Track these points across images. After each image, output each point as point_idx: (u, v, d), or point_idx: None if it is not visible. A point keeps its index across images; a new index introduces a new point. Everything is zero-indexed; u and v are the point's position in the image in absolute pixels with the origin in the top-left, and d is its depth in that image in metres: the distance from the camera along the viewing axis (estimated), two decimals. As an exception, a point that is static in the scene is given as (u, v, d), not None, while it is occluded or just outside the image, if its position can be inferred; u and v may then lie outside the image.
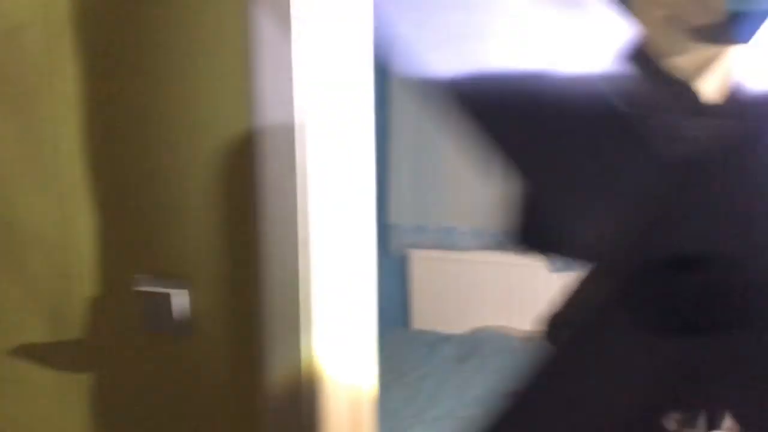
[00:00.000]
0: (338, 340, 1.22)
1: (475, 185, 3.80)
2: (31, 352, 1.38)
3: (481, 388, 2.87)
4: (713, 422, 0.67)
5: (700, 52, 2.57)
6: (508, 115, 0.57)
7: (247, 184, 1.15)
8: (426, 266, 3.99)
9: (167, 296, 1.22)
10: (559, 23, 0.60)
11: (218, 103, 1.17)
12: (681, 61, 2.64)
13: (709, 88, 2.43)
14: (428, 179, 3.91)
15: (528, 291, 3.78)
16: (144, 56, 1.19)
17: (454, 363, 3.17)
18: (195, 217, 1.22)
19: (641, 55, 0.61)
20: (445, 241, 3.89)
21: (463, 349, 3.31)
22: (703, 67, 2.48)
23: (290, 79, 1.07)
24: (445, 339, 3.47)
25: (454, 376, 3.02)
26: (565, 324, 0.68)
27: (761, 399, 0.56)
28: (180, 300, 1.22)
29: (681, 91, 0.75)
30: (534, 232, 0.64)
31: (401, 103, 3.91)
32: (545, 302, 3.37)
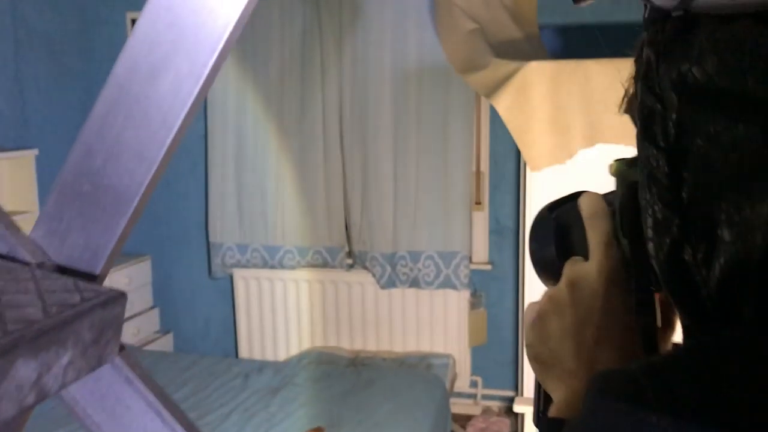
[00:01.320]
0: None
1: (296, 204, 3.81)
2: None
3: (288, 422, 2.80)
4: None
5: (498, 68, 2.73)
6: None
7: None
8: (250, 285, 3.94)
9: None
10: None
11: None
12: (479, 77, 2.79)
13: (504, 103, 2.63)
14: (251, 198, 3.86)
15: (357, 308, 3.83)
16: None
17: (265, 394, 3.07)
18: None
19: None
20: (270, 259, 3.86)
21: (277, 379, 3.24)
22: (500, 83, 2.63)
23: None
24: (264, 367, 3.36)
25: (262, 410, 2.91)
26: None
27: None
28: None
29: None
30: None
31: (219, 116, 3.84)
32: (374, 319, 3.49)
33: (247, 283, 3.90)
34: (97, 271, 0.30)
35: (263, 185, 3.80)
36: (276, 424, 2.78)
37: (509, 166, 3.64)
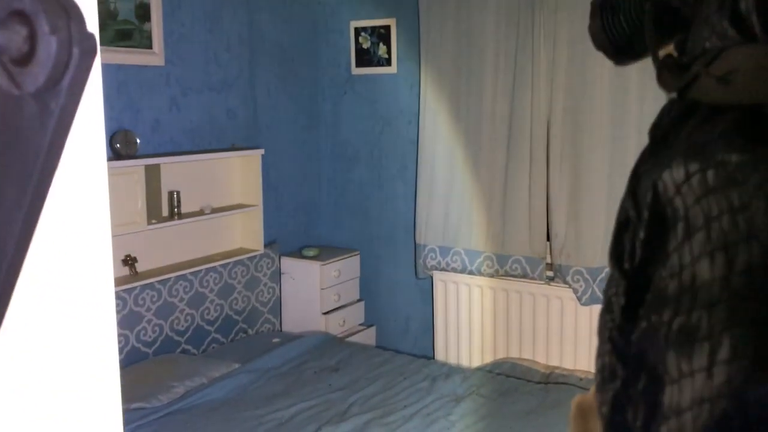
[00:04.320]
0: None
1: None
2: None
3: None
4: None
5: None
6: None
7: None
8: (449, 288, 3.97)
9: None
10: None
11: None
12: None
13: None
14: (456, 203, 3.89)
15: (555, 323, 3.70)
16: None
17: (449, 401, 3.06)
18: None
19: None
20: (470, 264, 3.86)
21: (464, 387, 3.20)
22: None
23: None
24: (452, 373, 3.37)
25: (443, 418, 2.91)
26: None
27: None
28: None
29: None
30: None
31: (431, 121, 3.92)
32: (573, 336, 3.33)
33: (446, 286, 3.94)
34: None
35: (469, 190, 3.81)
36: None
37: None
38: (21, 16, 0.29)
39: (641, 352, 0.37)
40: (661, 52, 0.53)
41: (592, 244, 3.51)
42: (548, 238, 3.67)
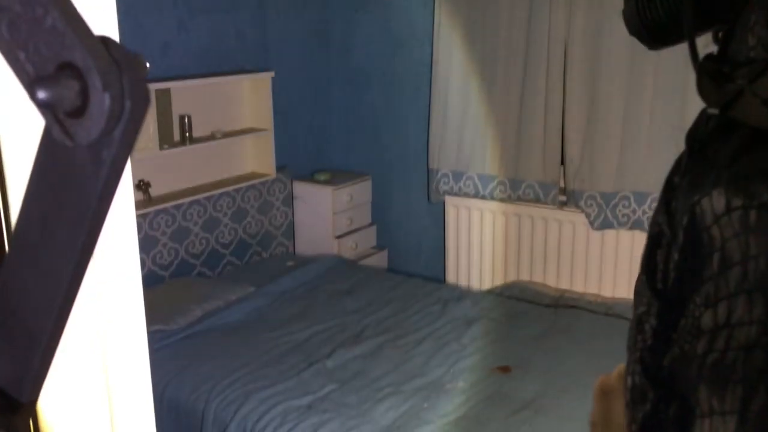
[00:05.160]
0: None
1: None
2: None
3: (477, 357, 2.85)
4: None
5: None
6: None
7: None
8: (461, 213, 3.99)
9: None
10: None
11: None
12: None
13: None
14: (470, 127, 3.85)
15: (567, 247, 3.73)
16: None
17: (460, 325, 3.13)
18: None
19: None
20: (482, 189, 3.86)
21: (475, 311, 3.26)
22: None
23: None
24: (464, 296, 3.42)
25: (454, 341, 2.98)
26: None
27: None
28: None
29: None
30: None
31: (445, 43, 3.83)
32: (584, 260, 3.36)
33: (458, 211, 3.95)
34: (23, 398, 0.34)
35: (483, 115, 3.77)
36: (465, 357, 2.86)
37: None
38: (72, 69, 0.28)
39: (672, 377, 0.38)
40: (700, 46, 0.50)
41: (607, 169, 3.50)
42: (562, 163, 3.65)
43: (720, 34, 0.50)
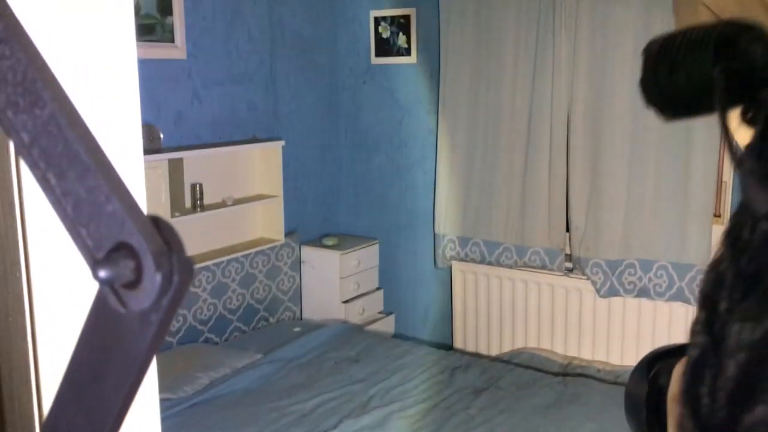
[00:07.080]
0: None
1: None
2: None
3: (485, 428, 2.83)
4: None
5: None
6: None
7: None
8: (467, 279, 4.01)
9: None
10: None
11: None
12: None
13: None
14: (475, 193, 3.91)
15: (574, 314, 3.73)
16: None
17: (468, 394, 3.12)
18: None
19: None
20: (488, 255, 3.89)
21: (482, 379, 3.25)
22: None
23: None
24: (472, 364, 3.41)
25: (462, 411, 2.98)
26: None
27: None
28: None
29: None
30: None
31: (450, 111, 3.92)
32: (591, 327, 3.34)
33: (465, 276, 3.98)
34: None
35: (488, 181, 3.83)
36: (473, 428, 2.84)
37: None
38: (128, 249, 0.32)
39: None
40: (732, 125, 0.44)
41: (611, 236, 3.53)
42: (567, 230, 3.69)
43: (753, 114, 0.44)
